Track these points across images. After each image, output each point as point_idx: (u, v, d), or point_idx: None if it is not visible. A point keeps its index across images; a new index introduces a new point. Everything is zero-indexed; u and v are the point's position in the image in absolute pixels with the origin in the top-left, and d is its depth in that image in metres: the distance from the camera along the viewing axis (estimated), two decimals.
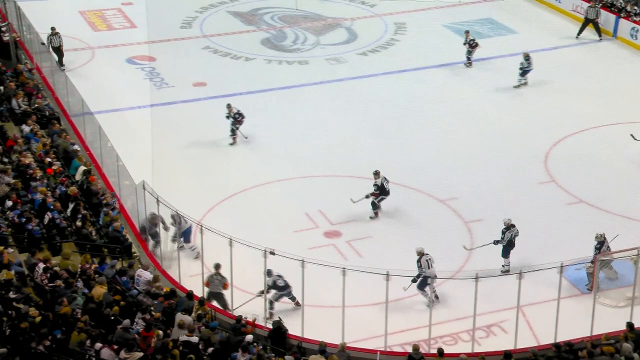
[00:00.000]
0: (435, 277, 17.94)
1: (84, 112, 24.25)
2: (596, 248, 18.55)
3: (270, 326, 16.98)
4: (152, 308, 16.50)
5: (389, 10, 35.35)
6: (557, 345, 15.97)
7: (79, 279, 17.06)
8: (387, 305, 16.55)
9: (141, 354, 14.72)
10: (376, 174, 21.26)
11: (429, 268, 18.14)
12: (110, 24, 33.72)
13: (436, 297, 18.16)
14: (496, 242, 19.31)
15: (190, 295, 17.27)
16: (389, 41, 32.50)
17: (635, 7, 32.41)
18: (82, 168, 21.67)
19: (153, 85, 28.63)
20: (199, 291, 17.86)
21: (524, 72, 28.30)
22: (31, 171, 20.66)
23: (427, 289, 18.00)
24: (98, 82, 28.31)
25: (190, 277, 18.74)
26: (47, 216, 19.04)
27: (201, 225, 17.75)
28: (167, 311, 16.57)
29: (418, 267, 18.18)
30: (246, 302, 17.71)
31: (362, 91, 28.52)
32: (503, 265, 19.29)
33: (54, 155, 22.12)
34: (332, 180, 23.09)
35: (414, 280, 18.11)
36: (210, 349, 15.59)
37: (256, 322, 16.98)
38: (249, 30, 33.61)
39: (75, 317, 15.38)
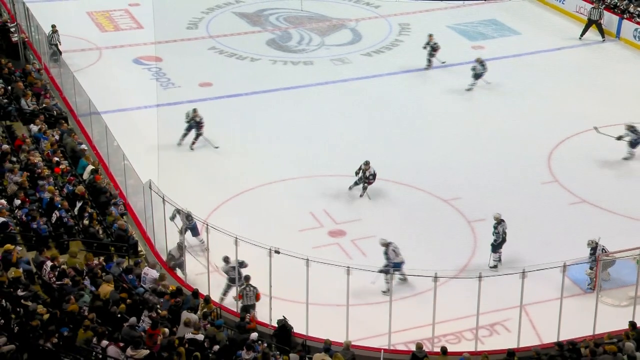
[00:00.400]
0: (404, 261, 18.68)
1: (91, 112, 24.40)
2: (590, 254, 18.72)
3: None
4: (158, 306, 16.61)
5: (394, 11, 35.44)
6: (560, 344, 16.07)
7: (86, 277, 17.23)
8: (390, 304, 16.69)
9: (147, 351, 14.82)
10: (366, 164, 22.01)
11: (396, 256, 18.64)
12: (117, 25, 33.89)
13: (404, 279, 18.84)
14: (495, 242, 19.52)
15: (195, 293, 17.43)
16: (394, 42, 32.62)
17: (639, 9, 32.48)
18: (90, 167, 21.84)
19: (159, 86, 28.79)
20: (205, 289, 18.02)
21: (477, 75, 28.08)
22: (39, 170, 20.84)
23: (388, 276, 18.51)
24: (105, 82, 28.46)
25: (196, 276, 18.92)
26: (55, 215, 19.21)
27: (207, 224, 17.88)
28: (173, 309, 16.71)
29: (385, 258, 18.64)
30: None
31: (366, 92, 28.63)
32: (493, 261, 19.56)
33: (61, 155, 22.31)
34: (336, 179, 23.21)
35: (381, 272, 18.52)
36: (216, 347, 15.72)
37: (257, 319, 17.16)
38: (254, 31, 33.74)
39: (83, 314, 15.51)
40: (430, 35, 29.99)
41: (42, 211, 19.41)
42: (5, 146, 21.56)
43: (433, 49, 29.74)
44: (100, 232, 19.52)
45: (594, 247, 18.70)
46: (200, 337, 15.71)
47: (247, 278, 17.62)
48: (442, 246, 20.39)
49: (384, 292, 18.26)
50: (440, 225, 21.31)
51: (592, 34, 32.60)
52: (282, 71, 30.22)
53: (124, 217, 20.53)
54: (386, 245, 18.88)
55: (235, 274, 17.81)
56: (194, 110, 24.70)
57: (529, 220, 21.38)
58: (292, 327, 17.08)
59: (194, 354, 14.76)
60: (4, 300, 15.17)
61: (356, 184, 22.35)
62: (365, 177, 22.11)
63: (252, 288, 17.56)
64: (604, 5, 32.85)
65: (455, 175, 23.46)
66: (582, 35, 32.64)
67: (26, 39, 29.39)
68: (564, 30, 33.62)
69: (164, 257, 19.42)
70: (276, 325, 17.14)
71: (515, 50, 31.54)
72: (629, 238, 19.31)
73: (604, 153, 24.34)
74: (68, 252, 18.33)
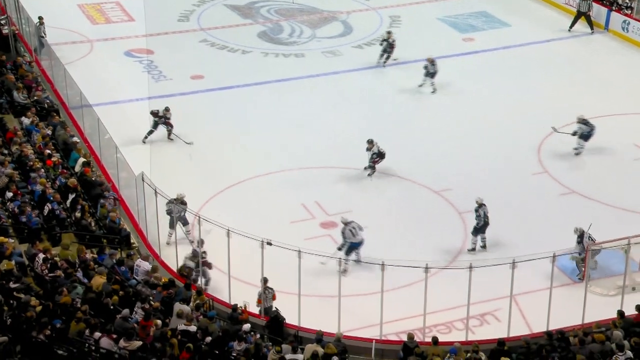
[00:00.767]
0: (363, 241, 19.20)
1: (82, 105, 24.40)
2: (578, 242, 18.92)
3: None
4: (150, 298, 16.67)
5: (384, 3, 35.46)
6: (549, 333, 16.18)
7: (79, 269, 17.27)
8: (382, 295, 16.77)
9: (140, 342, 14.87)
10: (370, 142, 22.45)
11: (353, 236, 19.07)
12: (108, 17, 33.84)
13: (358, 260, 19.26)
14: (478, 225, 19.86)
15: (188, 285, 17.50)
16: (384, 34, 32.62)
17: (627, 0, 32.62)
18: (81, 160, 21.86)
19: (151, 78, 28.79)
20: (197, 281, 18.10)
21: (429, 74, 27.58)
22: (30, 163, 20.86)
23: (352, 254, 19.22)
24: (96, 74, 28.45)
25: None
26: (47, 207, 19.24)
27: (199, 217, 17.94)
28: (165, 301, 16.76)
29: (342, 237, 19.17)
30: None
31: (357, 84, 28.71)
32: (472, 243, 19.93)
33: (53, 147, 22.32)
34: (327, 171, 23.30)
35: (339, 249, 19.09)
36: (208, 338, 15.79)
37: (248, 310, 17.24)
38: (245, 24, 33.74)
39: (75, 306, 15.55)
40: (389, 33, 29.89)
41: (34, 204, 19.44)
42: None
43: (390, 45, 29.48)
44: (93, 224, 19.56)
45: (580, 235, 18.92)
46: (192, 328, 15.78)
47: (265, 280, 17.50)
48: (432, 237, 20.51)
49: (341, 272, 18.18)
50: (431, 217, 21.43)
51: (581, 25, 32.71)
52: (274, 63, 30.25)
53: (116, 209, 20.55)
54: (345, 224, 19.23)
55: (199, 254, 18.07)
56: (167, 109, 24.60)
57: (519, 211, 21.53)
58: (284, 318, 17.17)
59: (187, 345, 14.80)
60: None
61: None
62: (371, 156, 22.49)
63: (270, 290, 17.56)
64: None
65: (445, 167, 23.58)
66: (571, 27, 32.75)
67: (17, 31, 29.31)
68: (553, 22, 33.73)
69: (156, 250, 19.46)
70: (269, 317, 17.22)
71: (505, 42, 31.64)
72: (617, 228, 19.43)
73: (594, 144, 24.45)
74: (60, 244, 18.38)
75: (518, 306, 17.73)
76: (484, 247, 20.05)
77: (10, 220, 18.79)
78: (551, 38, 32.27)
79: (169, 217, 19.60)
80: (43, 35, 28.50)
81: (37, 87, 25.67)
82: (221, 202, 21.80)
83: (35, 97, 24.95)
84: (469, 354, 15.53)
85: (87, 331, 14.90)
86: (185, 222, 19.90)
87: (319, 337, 16.02)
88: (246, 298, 17.64)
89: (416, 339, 16.37)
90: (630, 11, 32.30)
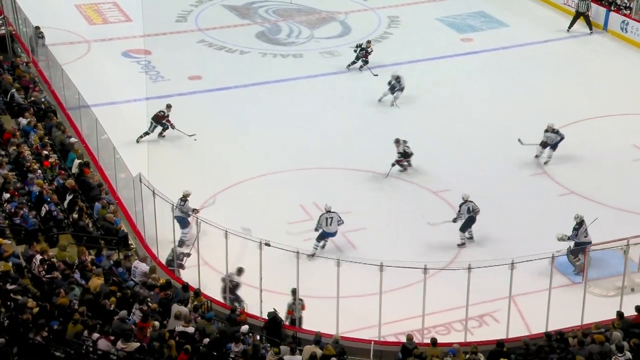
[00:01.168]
0: (335, 233, 19.80)
1: (80, 106, 24.35)
2: (574, 229, 18.90)
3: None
4: (148, 299, 16.63)
5: (383, 3, 35.45)
6: (548, 334, 16.14)
7: (76, 270, 17.22)
8: (381, 296, 16.72)
9: (138, 344, 14.82)
10: (397, 141, 22.92)
11: (326, 225, 19.65)
12: (105, 18, 33.80)
13: (323, 246, 19.91)
14: (455, 220, 20.17)
15: (186, 287, 17.44)
16: (383, 34, 32.65)
17: (625, 1, 32.61)
18: (78, 161, 21.80)
19: (149, 79, 28.75)
20: (195, 283, 18.04)
21: (393, 89, 26.96)
22: (28, 164, 20.80)
23: (321, 242, 19.84)
24: (94, 75, 28.38)
25: (187, 269, 18.94)
26: (45, 208, 19.19)
27: (197, 217, 17.89)
28: (163, 302, 16.72)
29: (317, 222, 19.84)
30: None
31: (355, 84, 28.67)
32: (460, 239, 20.17)
33: (50, 148, 22.26)
34: (326, 172, 23.27)
35: (316, 229, 19.79)
36: (206, 340, 15.75)
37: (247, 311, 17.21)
38: (243, 24, 33.72)
39: (73, 308, 15.50)
40: (369, 42, 29.63)
41: (32, 205, 19.38)
42: None
43: (367, 53, 29.21)
44: (90, 225, 19.51)
45: (579, 222, 18.97)
46: (190, 329, 15.74)
47: (294, 291, 17.32)
48: (431, 238, 20.46)
49: (308, 256, 18.75)
50: (430, 217, 21.36)
51: (580, 26, 32.70)
52: (272, 64, 30.22)
53: (113, 209, 20.49)
54: (326, 211, 19.73)
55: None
56: (168, 106, 24.62)
57: (518, 212, 21.50)
58: (282, 320, 17.13)
59: (185, 347, 14.78)
60: None
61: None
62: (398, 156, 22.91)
63: (300, 301, 17.43)
64: None
65: (444, 167, 23.55)
66: (570, 27, 32.74)
67: (14, 32, 29.26)
68: (552, 22, 33.72)
69: (154, 251, 19.42)
70: (267, 318, 17.18)
71: (504, 43, 31.62)
72: (616, 228, 19.40)
73: (592, 144, 24.45)
74: (57, 245, 18.32)
75: (517, 307, 17.69)
76: (470, 238, 20.34)
77: (7, 222, 18.73)
78: (550, 38, 32.26)
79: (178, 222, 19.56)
80: (43, 45, 28.54)
81: (35, 88, 25.62)
82: (219, 202, 21.69)
83: (33, 98, 24.90)
84: (467, 355, 15.49)
85: (84, 333, 14.85)
86: (184, 225, 19.81)
87: (317, 339, 15.98)
88: (244, 298, 17.61)
89: (415, 340, 16.32)
90: (629, 11, 32.28)
